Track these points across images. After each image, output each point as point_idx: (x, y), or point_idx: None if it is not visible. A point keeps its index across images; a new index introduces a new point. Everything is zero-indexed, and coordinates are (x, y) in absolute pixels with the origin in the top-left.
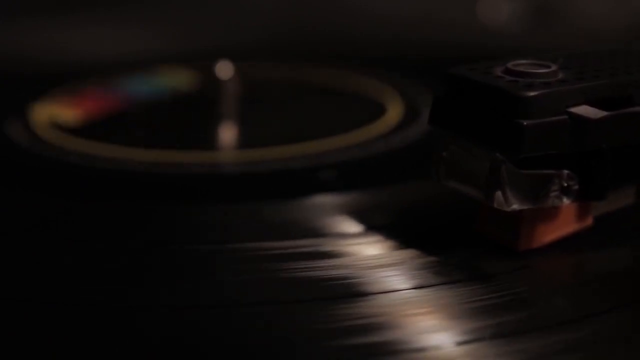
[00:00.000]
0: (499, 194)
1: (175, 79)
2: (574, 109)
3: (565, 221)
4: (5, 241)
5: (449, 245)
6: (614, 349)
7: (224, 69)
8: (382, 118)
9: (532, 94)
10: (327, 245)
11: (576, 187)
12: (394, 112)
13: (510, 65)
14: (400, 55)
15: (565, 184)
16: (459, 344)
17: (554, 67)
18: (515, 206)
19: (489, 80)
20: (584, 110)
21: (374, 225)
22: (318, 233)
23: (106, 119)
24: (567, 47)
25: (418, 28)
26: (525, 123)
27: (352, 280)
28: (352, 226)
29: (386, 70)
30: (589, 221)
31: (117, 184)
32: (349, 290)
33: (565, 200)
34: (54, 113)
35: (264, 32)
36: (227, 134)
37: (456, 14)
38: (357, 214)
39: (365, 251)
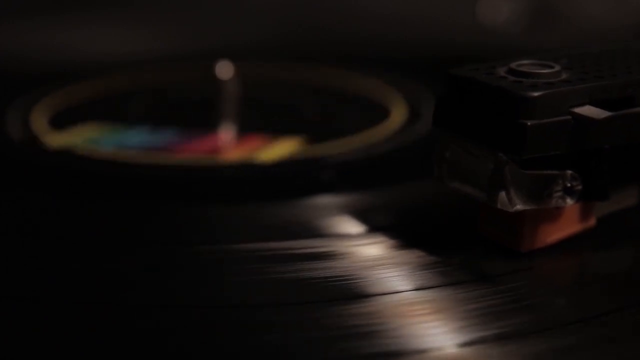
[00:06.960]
0: (502, 194)
1: None
2: (578, 110)
3: (567, 222)
4: (5, 241)
5: (450, 245)
6: (617, 351)
7: (224, 69)
8: (383, 119)
9: (536, 94)
10: (328, 246)
11: (579, 187)
12: (395, 113)
13: (513, 65)
14: (400, 55)
15: (569, 185)
16: (462, 345)
17: (557, 68)
18: (519, 207)
19: (492, 80)
20: (588, 110)
21: (374, 225)
22: (318, 234)
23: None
24: (567, 47)
25: (418, 28)
26: (529, 123)
27: (353, 281)
28: (352, 227)
29: (386, 70)
30: (591, 222)
31: (117, 183)
32: (350, 292)
33: (569, 201)
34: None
35: (264, 32)
36: (228, 134)
37: (456, 13)
38: (357, 215)
39: (366, 252)
